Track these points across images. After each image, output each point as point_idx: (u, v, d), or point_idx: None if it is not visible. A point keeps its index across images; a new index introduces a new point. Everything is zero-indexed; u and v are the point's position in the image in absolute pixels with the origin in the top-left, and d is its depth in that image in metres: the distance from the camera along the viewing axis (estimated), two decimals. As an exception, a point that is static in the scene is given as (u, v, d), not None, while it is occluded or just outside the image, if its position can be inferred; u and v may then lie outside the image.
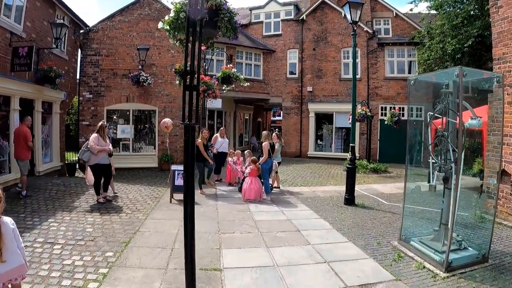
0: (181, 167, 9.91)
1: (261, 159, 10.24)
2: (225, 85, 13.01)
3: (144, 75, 14.33)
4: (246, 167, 10.76)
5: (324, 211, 9.07)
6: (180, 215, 4.96)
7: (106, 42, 14.81)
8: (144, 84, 14.35)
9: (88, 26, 14.77)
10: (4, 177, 10.15)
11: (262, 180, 10.23)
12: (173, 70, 12.45)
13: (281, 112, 23.98)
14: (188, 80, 3.64)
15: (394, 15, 21.34)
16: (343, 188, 10.73)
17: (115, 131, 15.21)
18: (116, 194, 10.01)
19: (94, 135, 8.68)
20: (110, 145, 9.13)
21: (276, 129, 32.95)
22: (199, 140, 10.54)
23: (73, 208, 8.74)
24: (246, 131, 27.70)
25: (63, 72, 12.13)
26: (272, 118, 36.94)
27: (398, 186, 12.59)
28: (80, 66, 14.72)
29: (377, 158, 19.26)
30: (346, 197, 9.70)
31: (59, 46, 13.15)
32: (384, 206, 9.81)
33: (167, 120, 11.55)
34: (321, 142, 22.11)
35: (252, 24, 23.54)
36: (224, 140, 12.73)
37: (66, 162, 14.01)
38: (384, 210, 9.36)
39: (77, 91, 15.19)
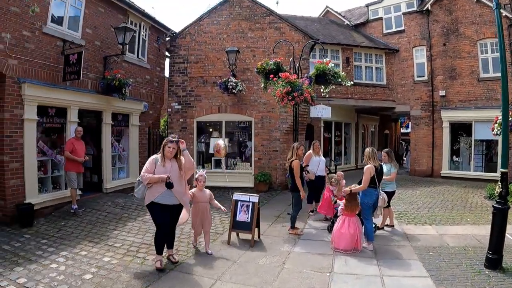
0: (245, 197, 6.80)
1: (356, 186, 6.31)
2: (323, 87, 9.41)
3: (234, 80, 11.61)
4: (337, 199, 7.07)
5: (451, 281, 4.89)
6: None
7: (194, 48, 12.64)
8: (234, 91, 11.62)
9: (172, 31, 12.80)
10: (57, 194, 8.53)
11: (361, 218, 6.36)
12: (255, 69, 9.43)
13: (409, 122, 18.75)
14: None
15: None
16: (483, 231, 6.92)
17: (205, 143, 12.84)
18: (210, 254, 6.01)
19: (151, 157, 5.32)
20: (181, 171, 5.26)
21: (403, 143, 27.38)
22: (295, 160, 7.14)
23: (100, 240, 6.62)
24: (372, 145, 22.92)
25: (131, 80, 10.15)
26: (402, 130, 30.85)
27: None
28: (169, 75, 12.82)
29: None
30: (489, 255, 5.25)
31: (139, 54, 11.43)
32: None
33: (220, 142, 8.59)
34: (457, 159, 16.42)
35: (370, 22, 19.23)
36: (320, 159, 8.96)
37: None
38: None
39: (165, 102, 13.34)
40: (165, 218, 5.22)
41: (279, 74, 8.24)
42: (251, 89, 12.32)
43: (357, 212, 6.21)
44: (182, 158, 5.24)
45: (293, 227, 7.29)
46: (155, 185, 5.08)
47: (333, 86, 16.32)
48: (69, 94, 8.66)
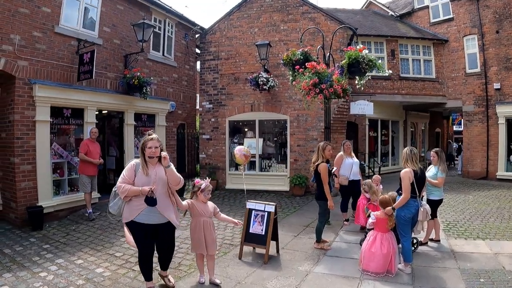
0: (261, 205, 5.70)
1: (398, 200, 4.92)
2: (357, 78, 8.06)
3: (264, 76, 10.54)
4: (368, 210, 5.78)
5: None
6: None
7: (224, 44, 11.75)
8: (265, 87, 10.54)
9: (199, 26, 12.00)
10: (73, 196, 8.08)
11: (397, 234, 4.97)
12: (281, 60, 8.30)
13: (462, 119, 16.41)
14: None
15: None
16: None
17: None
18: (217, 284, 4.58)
19: (131, 163, 4.05)
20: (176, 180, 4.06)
21: (451, 142, 24.16)
22: (322, 163, 5.88)
23: (103, 248, 5.99)
24: (423, 144, 20.71)
25: (151, 78, 9.50)
26: (455, 128, 27.59)
27: None
28: (199, 74, 12.05)
29: None
30: None
31: (164, 52, 10.77)
32: None
33: (241, 147, 7.34)
34: (515, 159, 14.05)
35: (415, 12, 17.09)
36: (353, 161, 7.62)
37: None
38: None
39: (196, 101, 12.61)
40: (149, 242, 4.03)
41: (306, 64, 7.01)
42: (286, 85, 11.13)
43: (391, 227, 4.87)
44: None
45: (318, 240, 6.05)
46: (135, 199, 3.86)
47: (377, 82, 14.82)
48: (86, 95, 8.16)
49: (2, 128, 7.28)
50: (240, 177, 11.35)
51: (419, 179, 4.82)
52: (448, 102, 15.91)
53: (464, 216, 8.12)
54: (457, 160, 21.10)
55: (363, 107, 12.12)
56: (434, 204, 5.94)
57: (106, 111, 9.52)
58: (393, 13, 18.25)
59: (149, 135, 3.97)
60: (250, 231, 5.64)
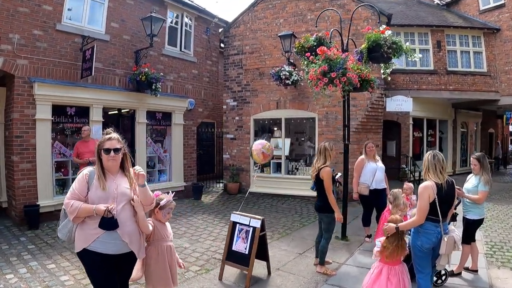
0: (246, 219, 4.64)
1: (408, 221, 3.52)
2: (382, 66, 6.64)
3: (287, 69, 9.37)
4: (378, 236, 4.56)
5: None
6: None
7: (249, 37, 10.72)
8: (288, 81, 9.38)
9: (217, 17, 11.01)
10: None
11: (411, 267, 3.61)
12: (294, 49, 7.08)
13: None
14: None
15: None
16: None
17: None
18: None
19: (83, 172, 2.83)
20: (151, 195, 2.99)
21: (500, 143, 20.75)
22: (325, 167, 4.72)
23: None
24: (474, 146, 17.95)
25: (161, 74, 8.67)
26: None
27: None
28: (224, 69, 11.16)
29: None
30: None
31: (182, 47, 10.02)
32: None
33: (263, 142, 5.71)
34: None
35: (461, -1, 14.84)
36: (377, 166, 6.18)
37: (194, 182, 10.37)
38: None
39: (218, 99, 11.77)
40: (110, 279, 2.75)
41: (317, 50, 5.76)
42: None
43: (403, 259, 3.56)
44: (133, 170, 2.86)
45: (322, 262, 4.84)
46: (90, 221, 2.68)
47: (421, 76, 12.87)
48: (90, 92, 7.63)
49: (6, 126, 7.02)
50: (265, 180, 10.33)
51: (446, 197, 3.34)
52: (501, 99, 13.52)
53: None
54: (509, 167, 18.06)
55: (400, 104, 10.45)
56: (472, 225, 4.50)
57: (118, 110, 9.02)
58: (439, 2, 16.11)
59: (107, 133, 2.90)
60: (233, 248, 4.60)
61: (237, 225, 4.65)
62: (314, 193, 9.52)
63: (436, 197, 3.27)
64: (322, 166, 4.72)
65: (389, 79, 6.72)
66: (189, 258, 5.36)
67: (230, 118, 11.00)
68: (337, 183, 5.32)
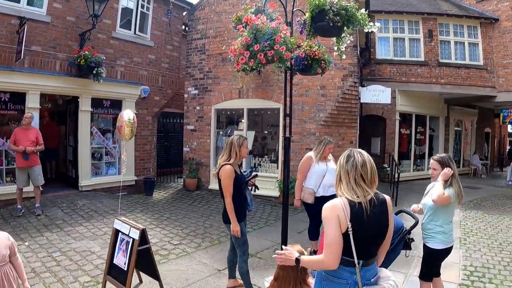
0: (126, 227, 3.52)
1: (313, 257, 2.10)
2: (335, 42, 5.35)
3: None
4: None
5: None
6: None
7: (213, 20, 9.55)
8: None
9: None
10: (6, 188, 6.72)
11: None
12: (232, 24, 5.87)
13: None
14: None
15: None
16: None
17: (228, 136, 9.73)
18: None
19: None
20: None
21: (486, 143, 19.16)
22: (226, 165, 3.62)
23: None
24: (468, 146, 16.45)
25: (103, 58, 7.67)
26: (510, 130, 22.14)
27: None
28: (186, 55, 10.01)
29: None
30: None
31: (136, 30, 8.92)
32: None
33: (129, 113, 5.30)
34: None
35: (459, -14, 13.47)
36: (328, 168, 4.89)
37: (147, 177, 9.21)
38: None
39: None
40: None
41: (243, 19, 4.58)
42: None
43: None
44: None
45: (232, 276, 3.77)
46: None
47: (410, 68, 11.55)
48: (27, 77, 6.81)
49: None
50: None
51: (369, 225, 1.96)
52: (498, 95, 12.17)
53: (502, 257, 5.03)
54: (505, 169, 16.48)
55: (377, 94, 9.19)
56: (435, 256, 3.25)
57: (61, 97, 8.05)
58: (432, -12, 14.68)
59: None
60: (114, 261, 3.54)
61: (119, 233, 3.57)
62: (277, 193, 8.45)
63: (350, 225, 1.93)
64: (224, 163, 3.59)
65: (344, 57, 5.31)
66: (87, 265, 4.35)
67: (191, 107, 9.85)
68: (253, 187, 4.15)
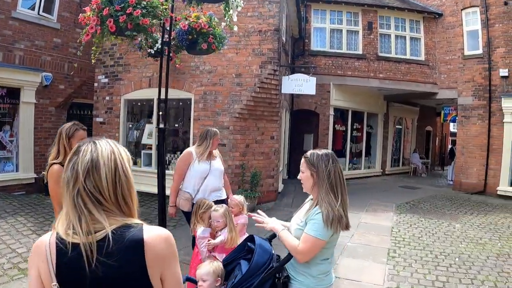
0: None
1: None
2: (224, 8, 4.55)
3: (152, 35, 7.35)
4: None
5: None
6: None
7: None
8: (151, 51, 7.22)
9: None
10: None
11: None
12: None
13: (456, 114, 11.99)
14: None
15: None
16: None
17: (139, 129, 8.99)
18: None
19: None
20: None
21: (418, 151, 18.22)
22: (55, 164, 2.60)
23: None
24: (409, 145, 16.10)
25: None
26: (452, 129, 21.94)
27: None
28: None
29: None
30: None
31: (40, 11, 8.12)
32: None
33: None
34: (522, 170, 9.85)
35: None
36: (212, 167, 3.89)
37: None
38: None
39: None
40: None
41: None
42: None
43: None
44: None
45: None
46: None
47: (347, 61, 11.04)
48: None
49: None
50: (135, 174, 8.34)
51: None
52: (439, 92, 11.85)
53: (437, 275, 4.27)
54: (446, 168, 16.18)
55: (300, 84, 8.52)
56: None
57: None
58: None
59: None
60: None
61: None
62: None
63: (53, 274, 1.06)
64: (53, 162, 2.69)
65: (235, 28, 4.59)
66: None
67: (100, 98, 8.97)
68: None
